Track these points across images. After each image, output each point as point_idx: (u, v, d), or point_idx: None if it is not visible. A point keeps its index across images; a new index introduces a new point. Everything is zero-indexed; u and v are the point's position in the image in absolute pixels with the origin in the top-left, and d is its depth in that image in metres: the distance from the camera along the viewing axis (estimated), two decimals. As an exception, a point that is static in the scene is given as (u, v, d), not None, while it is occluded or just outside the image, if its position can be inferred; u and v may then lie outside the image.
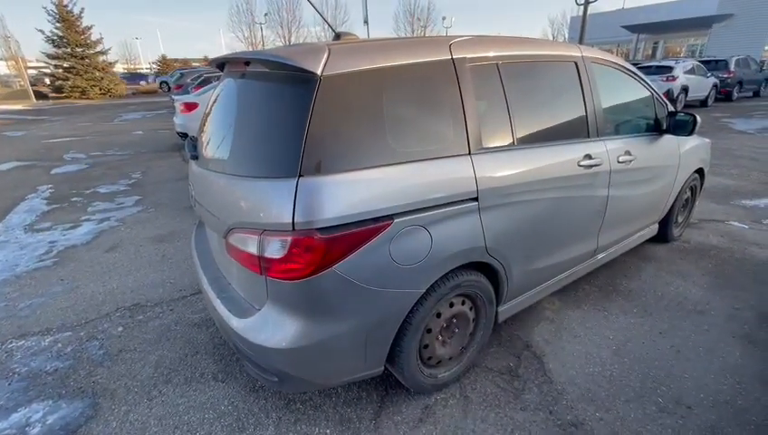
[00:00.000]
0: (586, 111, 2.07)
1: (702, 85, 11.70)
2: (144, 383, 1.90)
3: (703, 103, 11.94)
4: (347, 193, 1.27)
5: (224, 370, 1.97)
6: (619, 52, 28.32)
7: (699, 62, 12.26)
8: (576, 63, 2.06)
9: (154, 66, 49.11)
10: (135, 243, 3.48)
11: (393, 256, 1.37)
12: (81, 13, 24.24)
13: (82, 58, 24.57)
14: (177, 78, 15.25)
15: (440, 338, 1.73)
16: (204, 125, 1.90)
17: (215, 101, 1.87)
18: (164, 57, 48.49)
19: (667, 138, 2.60)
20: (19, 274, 2.99)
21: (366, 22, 25.69)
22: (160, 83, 28.56)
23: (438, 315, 1.67)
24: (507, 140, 1.71)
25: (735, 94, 13.01)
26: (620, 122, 2.37)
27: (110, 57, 27.75)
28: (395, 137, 1.39)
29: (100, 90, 25.18)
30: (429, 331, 1.66)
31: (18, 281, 2.88)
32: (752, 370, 1.90)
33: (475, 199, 1.56)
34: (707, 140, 3.23)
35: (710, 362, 1.96)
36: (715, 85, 12.11)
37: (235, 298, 1.59)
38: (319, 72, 1.25)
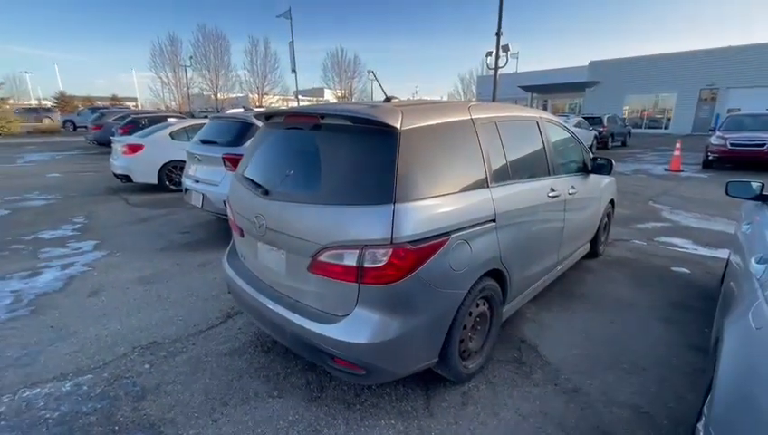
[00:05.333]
0: (546, 156, 2.79)
1: (587, 136, 14.45)
2: (201, 408, 1.97)
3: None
4: (423, 215, 1.69)
5: (275, 388, 2.12)
6: (518, 107, 33.33)
7: (582, 117, 15.20)
8: (537, 122, 2.80)
9: (48, 103, 44.20)
10: (119, 286, 3.34)
11: (450, 262, 1.80)
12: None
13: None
14: (95, 118, 14.20)
15: (470, 334, 2.15)
16: (257, 166, 2.20)
17: (268, 147, 2.20)
18: (62, 94, 44.13)
19: (593, 176, 3.48)
20: (-11, 326, 2.71)
21: (294, 71, 26.79)
22: (64, 122, 25.80)
23: (470, 314, 2.10)
24: (506, 177, 2.29)
25: (610, 144, 16.24)
26: (565, 164, 3.16)
27: (1, 93, 24.54)
28: (445, 174, 1.87)
29: (-10, 128, 21.86)
30: (464, 327, 2.08)
31: (-7, 333, 2.62)
32: (673, 340, 2.64)
33: (494, 221, 2.08)
34: (613, 178, 4.28)
35: (646, 337, 2.66)
36: (595, 136, 15.04)
37: (309, 311, 1.85)
38: (399, 127, 1.70)
